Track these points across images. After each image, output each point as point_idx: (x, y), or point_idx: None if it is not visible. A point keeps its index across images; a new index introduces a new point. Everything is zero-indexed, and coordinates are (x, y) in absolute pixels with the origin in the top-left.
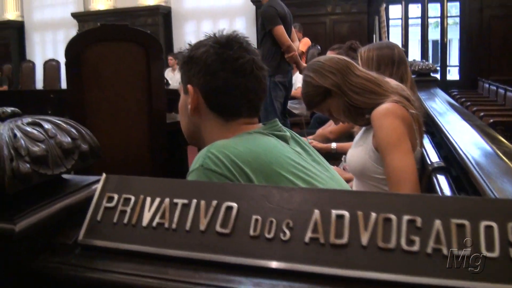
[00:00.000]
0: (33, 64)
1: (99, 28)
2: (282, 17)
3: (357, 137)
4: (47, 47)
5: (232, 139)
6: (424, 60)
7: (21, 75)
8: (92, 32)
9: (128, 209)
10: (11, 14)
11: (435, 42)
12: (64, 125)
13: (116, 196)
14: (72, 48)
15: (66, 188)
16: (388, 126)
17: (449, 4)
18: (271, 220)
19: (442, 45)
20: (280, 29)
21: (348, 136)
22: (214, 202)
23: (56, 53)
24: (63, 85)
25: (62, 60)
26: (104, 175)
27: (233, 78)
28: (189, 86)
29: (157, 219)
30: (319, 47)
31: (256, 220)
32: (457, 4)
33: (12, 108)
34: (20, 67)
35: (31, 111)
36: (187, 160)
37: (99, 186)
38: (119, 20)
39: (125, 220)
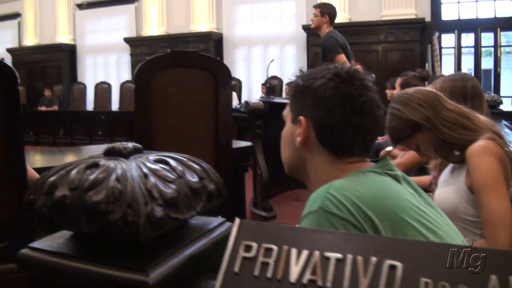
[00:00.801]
0: (84, 86)
1: (169, 54)
2: (343, 46)
3: (445, 175)
4: (99, 70)
5: (349, 179)
6: (488, 92)
7: (72, 96)
8: (162, 58)
9: (271, 261)
10: (64, 37)
11: (486, 72)
12: (189, 162)
13: (254, 245)
14: (142, 74)
15: (191, 232)
16: (486, 165)
17: (502, 33)
18: (444, 285)
19: (495, 75)
20: (342, 58)
21: (417, 170)
22: (374, 259)
23: (108, 76)
24: (114, 107)
25: (113, 82)
26: (237, 220)
27: (351, 116)
28: (301, 117)
29: (307, 275)
30: (373, 75)
31: (426, 284)
32: (510, 33)
33: (133, 144)
34: (71, 89)
35: (82, 131)
36: (244, 186)
37: (233, 233)
38: (171, 46)
39: (269, 274)
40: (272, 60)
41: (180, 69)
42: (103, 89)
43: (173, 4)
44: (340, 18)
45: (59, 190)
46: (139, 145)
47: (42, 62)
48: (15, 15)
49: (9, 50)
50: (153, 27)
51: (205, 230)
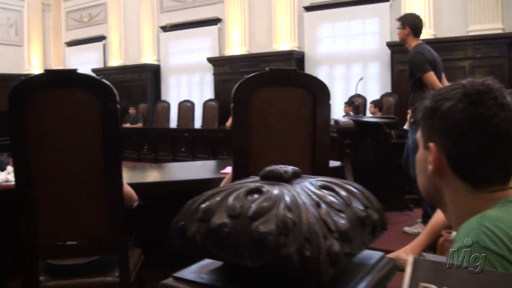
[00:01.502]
0: (168, 104)
1: (268, 72)
2: (432, 62)
3: None
4: (182, 89)
5: (501, 209)
6: None
7: (156, 114)
8: (261, 76)
9: None
10: (148, 58)
11: None
12: (353, 188)
13: None
14: (241, 91)
15: (356, 268)
16: None
17: None
18: None
19: None
20: (431, 76)
21: None
22: None
23: (191, 94)
24: (197, 124)
25: (196, 101)
26: (411, 258)
27: (485, 141)
28: (431, 144)
29: None
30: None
31: None
32: None
33: (292, 167)
34: (155, 107)
35: (165, 147)
36: None
37: (408, 272)
38: (252, 65)
39: None
40: (361, 79)
41: (278, 87)
42: (186, 107)
43: (255, 24)
44: (425, 35)
45: (216, 217)
46: (297, 169)
47: (127, 82)
48: (101, 38)
49: (94, 70)
50: (236, 47)
51: (369, 266)
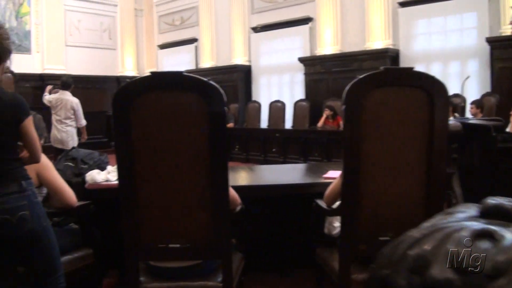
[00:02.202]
0: (259, 104)
1: (382, 72)
2: None
3: None
4: (273, 89)
5: None
6: None
7: (247, 114)
8: (375, 76)
9: None
10: (239, 59)
11: None
12: None
13: None
14: (353, 92)
15: None
16: None
17: None
18: None
19: None
20: None
21: None
22: None
23: (281, 94)
24: (287, 125)
25: (287, 101)
26: None
27: None
28: None
29: None
30: None
31: None
32: None
33: None
34: (246, 107)
35: (256, 147)
36: None
37: None
38: (345, 65)
39: None
40: (468, 77)
41: (393, 88)
42: (277, 108)
43: (347, 22)
44: None
45: (435, 269)
46: None
47: (219, 83)
48: (192, 40)
49: (186, 72)
50: (327, 46)
51: None
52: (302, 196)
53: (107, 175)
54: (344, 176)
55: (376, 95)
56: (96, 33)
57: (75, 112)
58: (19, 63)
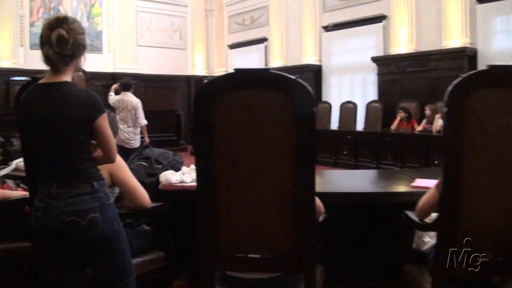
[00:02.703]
0: (329, 105)
1: (487, 70)
2: None
3: None
4: (344, 89)
5: None
6: None
7: (317, 115)
8: (479, 76)
9: None
10: (310, 58)
11: None
12: None
13: None
14: (455, 94)
15: None
16: None
17: None
18: None
19: None
20: None
21: None
22: None
23: (353, 95)
24: (359, 126)
25: (358, 102)
26: None
27: None
28: None
29: None
30: None
31: None
32: None
33: None
34: (316, 108)
35: (327, 149)
36: None
37: None
38: (419, 64)
39: None
40: None
41: (500, 89)
42: (348, 109)
43: (423, 20)
44: None
45: None
46: None
47: None
48: (262, 40)
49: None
50: (402, 45)
51: None
52: (387, 206)
53: (181, 176)
54: (443, 187)
55: (481, 96)
56: (167, 33)
57: (135, 112)
58: (90, 62)
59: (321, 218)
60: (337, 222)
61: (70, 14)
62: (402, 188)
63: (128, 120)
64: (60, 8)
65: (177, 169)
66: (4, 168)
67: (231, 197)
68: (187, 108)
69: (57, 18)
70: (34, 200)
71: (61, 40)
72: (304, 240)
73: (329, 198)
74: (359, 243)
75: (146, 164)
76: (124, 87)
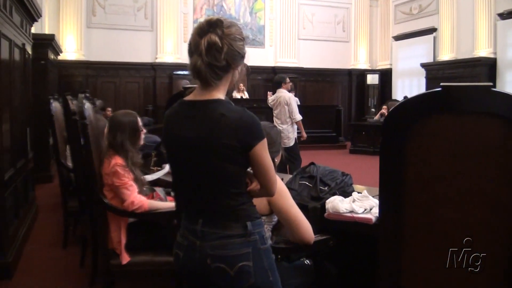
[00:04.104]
0: None
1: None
2: None
3: None
4: None
5: None
6: None
7: None
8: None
9: None
10: (483, 51)
11: None
12: None
13: None
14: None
15: None
16: None
17: None
18: None
19: None
20: None
21: None
22: None
23: None
24: None
25: None
26: None
27: None
28: None
29: None
30: None
31: None
32: None
33: None
34: None
35: None
36: None
37: None
38: None
39: None
40: None
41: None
42: None
43: None
44: None
45: None
46: None
47: (458, 78)
48: (431, 30)
49: (423, 65)
50: None
51: None
52: None
53: (351, 204)
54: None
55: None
56: (330, 26)
57: (288, 108)
58: (252, 57)
59: None
60: None
61: (233, 10)
62: None
63: (281, 116)
64: (224, 4)
65: (346, 193)
66: (158, 170)
67: (422, 245)
68: (347, 103)
69: (209, 21)
70: (177, 234)
71: (213, 48)
72: None
73: None
74: None
75: (309, 185)
76: (276, 85)
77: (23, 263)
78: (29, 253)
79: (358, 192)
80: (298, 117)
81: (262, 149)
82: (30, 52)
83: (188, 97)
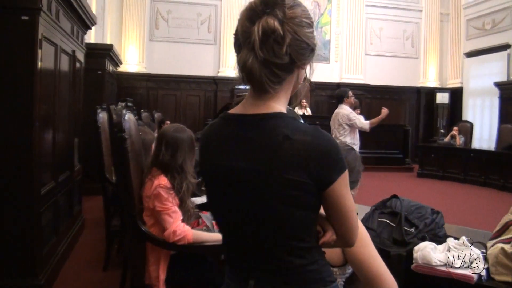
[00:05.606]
0: None
1: None
2: None
3: None
4: None
5: None
6: None
7: None
8: None
9: None
10: None
11: None
12: None
13: None
14: None
15: None
16: None
17: None
18: None
19: None
20: None
21: None
22: None
23: None
24: None
25: None
26: None
27: None
28: None
29: None
30: None
31: None
32: None
33: None
34: None
35: None
36: None
37: None
38: None
39: None
40: None
41: None
42: None
43: None
44: None
45: None
46: None
47: None
48: (505, 47)
49: (497, 84)
50: None
51: None
52: None
53: (446, 254)
54: None
55: None
56: (398, 41)
57: (347, 125)
58: (317, 72)
59: None
60: None
61: None
62: None
63: (334, 133)
64: None
65: (436, 237)
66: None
67: None
68: (415, 123)
69: None
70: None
71: (271, 37)
72: None
73: None
74: None
75: (392, 224)
76: (338, 99)
77: (58, 285)
78: (66, 274)
79: (455, 238)
80: (366, 125)
81: (343, 186)
82: (82, 61)
83: (234, 110)
